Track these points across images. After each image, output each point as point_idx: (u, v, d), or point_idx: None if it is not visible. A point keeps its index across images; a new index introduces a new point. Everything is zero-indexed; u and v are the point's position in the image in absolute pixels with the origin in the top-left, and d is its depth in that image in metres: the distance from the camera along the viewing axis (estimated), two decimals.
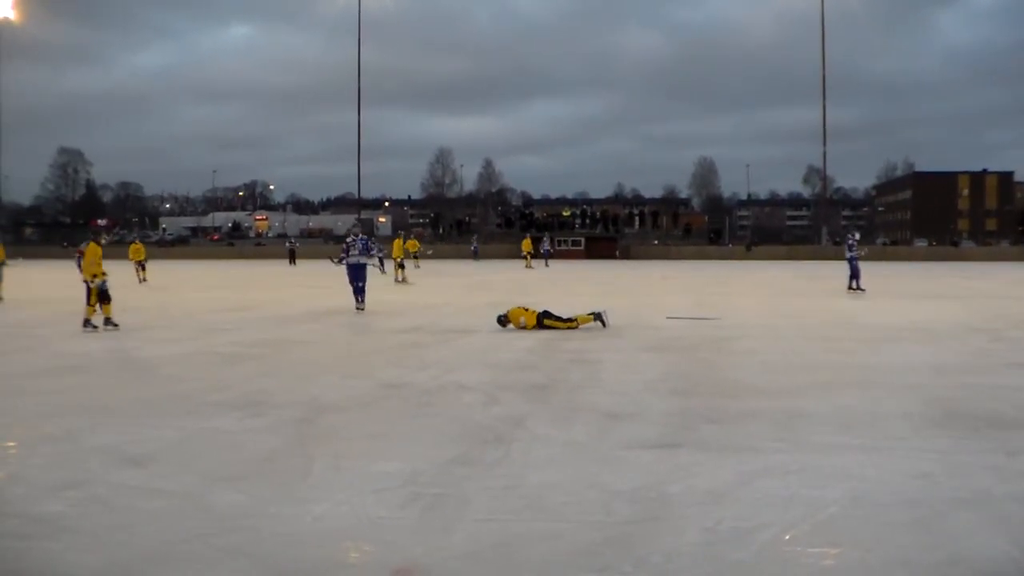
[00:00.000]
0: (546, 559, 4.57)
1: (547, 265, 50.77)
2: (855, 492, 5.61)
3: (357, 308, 19.40)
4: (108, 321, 16.05)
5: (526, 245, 51.86)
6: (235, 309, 20.28)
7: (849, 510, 5.27)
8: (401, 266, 32.81)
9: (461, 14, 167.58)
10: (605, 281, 33.42)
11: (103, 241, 16.88)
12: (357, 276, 19.78)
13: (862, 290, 24.84)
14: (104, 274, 16.15)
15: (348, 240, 20.65)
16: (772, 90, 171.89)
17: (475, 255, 63.50)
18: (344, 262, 20.02)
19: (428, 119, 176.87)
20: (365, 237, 20.76)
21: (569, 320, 15.37)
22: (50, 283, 31.76)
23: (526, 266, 48.82)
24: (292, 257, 55.84)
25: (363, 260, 19.98)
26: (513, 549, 4.70)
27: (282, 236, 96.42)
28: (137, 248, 34.10)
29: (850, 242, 25.53)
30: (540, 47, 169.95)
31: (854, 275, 25.13)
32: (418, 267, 42.44)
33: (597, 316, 15.46)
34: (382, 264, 39.18)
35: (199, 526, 5.06)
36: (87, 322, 15.93)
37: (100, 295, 16.03)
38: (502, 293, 25.14)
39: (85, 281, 16.18)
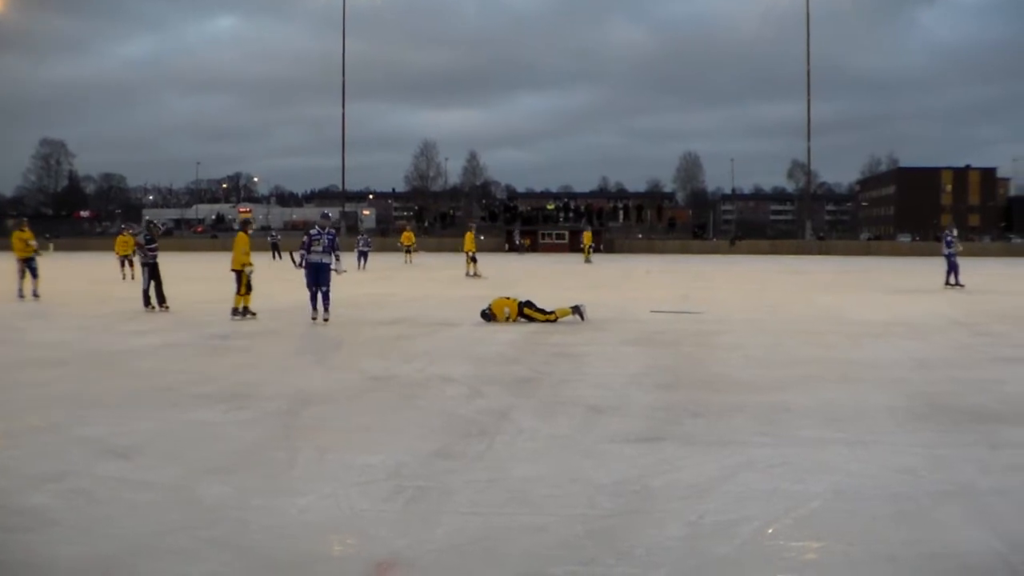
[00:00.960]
0: (529, 552, 4.57)
1: (589, 260, 44.98)
2: (838, 486, 5.64)
3: (315, 319, 15.74)
4: (246, 310, 16.42)
5: (588, 238, 47.04)
6: (219, 301, 20.18)
7: (832, 504, 5.29)
8: (473, 260, 32.26)
9: (446, 6, 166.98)
10: (589, 274, 33.43)
11: (249, 231, 17.06)
12: (318, 278, 15.85)
13: (961, 285, 24.87)
14: (252, 264, 16.45)
15: (311, 232, 16.09)
16: (757, 85, 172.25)
17: (520, 249, 60.45)
18: (305, 260, 15.98)
19: (413, 111, 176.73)
20: (333, 232, 16.42)
21: (549, 312, 15.41)
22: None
23: (585, 260, 44.47)
24: (275, 251, 50.21)
25: (325, 260, 15.92)
26: (496, 542, 4.71)
27: (266, 229, 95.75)
28: (125, 240, 30.33)
29: (948, 239, 25.74)
30: (524, 40, 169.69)
31: (952, 270, 25.22)
32: (409, 262, 42.19)
33: (576, 309, 15.52)
34: (360, 259, 38.38)
35: (184, 518, 5.04)
36: (235, 310, 16.35)
37: (247, 285, 16.38)
38: (485, 287, 25.09)
39: (235, 270, 16.34)
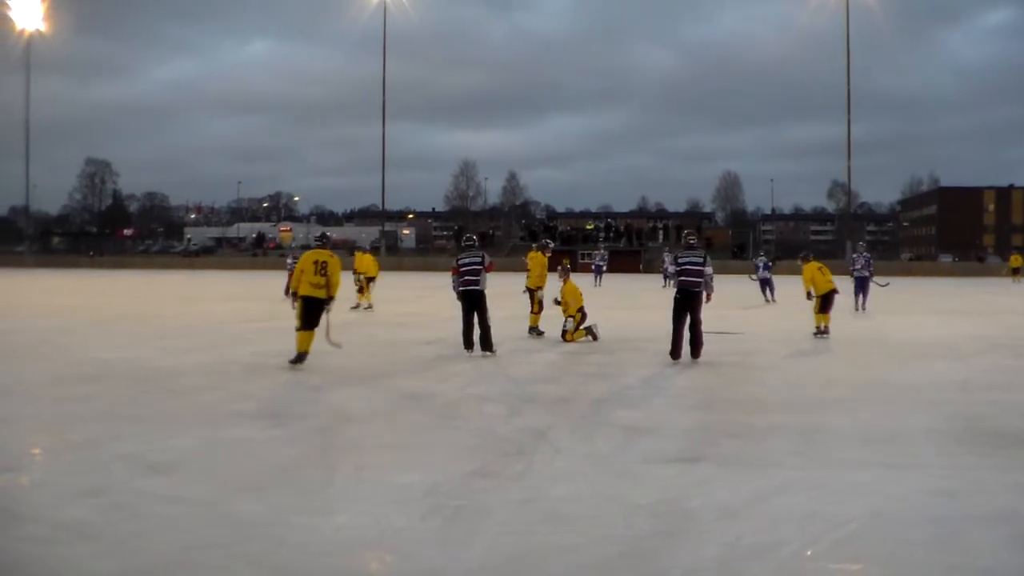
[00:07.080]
0: (565, 572, 4.57)
1: (599, 284, 40.15)
2: (876, 508, 5.58)
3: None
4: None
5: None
6: (258, 320, 20.36)
7: (870, 527, 5.24)
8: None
9: (475, 30, 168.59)
10: (628, 295, 33.31)
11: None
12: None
13: (774, 302, 27.84)
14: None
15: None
16: (794, 105, 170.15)
17: (598, 273, 44.38)
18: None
19: (449, 132, 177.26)
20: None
21: (578, 329, 15.58)
22: (73, 291, 32.06)
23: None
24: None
25: None
26: (532, 562, 4.70)
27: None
28: (365, 259, 24.89)
29: (759, 263, 29.91)
30: (555, 63, 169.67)
31: (769, 288, 29.10)
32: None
33: (589, 331, 15.66)
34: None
35: (220, 534, 5.09)
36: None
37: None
38: (521, 306, 25.07)
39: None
